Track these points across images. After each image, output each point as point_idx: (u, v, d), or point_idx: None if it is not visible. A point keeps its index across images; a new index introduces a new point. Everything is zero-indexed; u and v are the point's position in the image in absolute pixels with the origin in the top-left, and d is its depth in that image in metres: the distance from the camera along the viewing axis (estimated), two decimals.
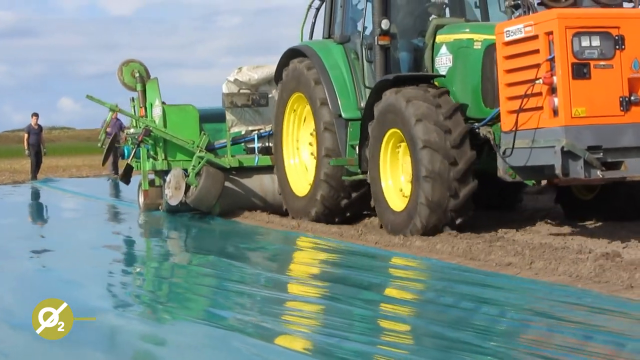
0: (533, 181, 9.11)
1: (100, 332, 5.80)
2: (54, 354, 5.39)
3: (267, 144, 13.17)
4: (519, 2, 8.92)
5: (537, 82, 8.14)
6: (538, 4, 8.87)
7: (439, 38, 10.31)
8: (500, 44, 8.77)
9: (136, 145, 13.55)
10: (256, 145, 13.25)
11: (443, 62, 10.20)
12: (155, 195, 13.68)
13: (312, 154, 11.90)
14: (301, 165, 12.19)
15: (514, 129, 8.50)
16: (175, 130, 13.30)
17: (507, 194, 11.52)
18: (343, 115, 11.12)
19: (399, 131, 9.74)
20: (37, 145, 25.63)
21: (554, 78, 8.04)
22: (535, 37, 8.25)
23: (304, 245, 10.16)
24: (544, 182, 9.38)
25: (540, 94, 8.20)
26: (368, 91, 10.82)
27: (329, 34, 11.93)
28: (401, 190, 9.93)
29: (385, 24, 10.47)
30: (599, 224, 9.82)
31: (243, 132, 13.55)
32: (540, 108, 8.23)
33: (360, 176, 10.76)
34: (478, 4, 11.40)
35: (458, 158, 9.30)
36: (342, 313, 6.15)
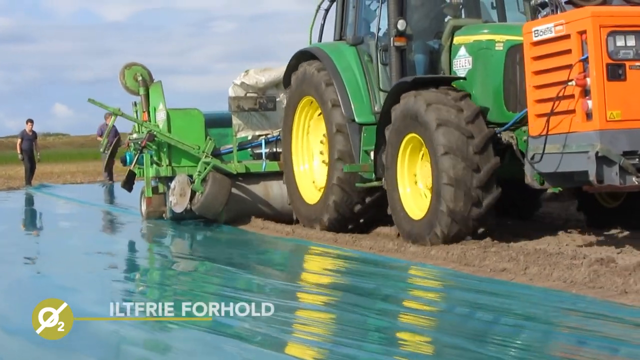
0: (559, 188, 8.75)
1: (96, 337, 5.74)
2: (49, 358, 5.36)
3: (274, 150, 12.86)
4: (546, 0, 8.57)
5: (569, 84, 7.77)
6: (565, 2, 8.53)
7: (457, 39, 9.98)
8: (528, 44, 8.38)
9: (139, 151, 13.16)
10: (263, 150, 12.94)
11: (462, 64, 9.86)
12: (159, 203, 13.28)
13: (323, 161, 11.51)
14: (311, 172, 11.80)
15: (543, 133, 8.12)
16: (180, 135, 12.95)
17: (524, 202, 11.14)
18: (357, 119, 10.74)
19: (418, 136, 9.36)
20: (30, 151, 25.55)
21: (588, 80, 7.68)
22: (567, 36, 7.88)
23: (298, 252, 10.05)
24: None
25: (572, 96, 7.83)
26: (382, 95, 10.48)
27: (340, 36, 11.55)
28: (420, 198, 9.55)
29: (401, 25, 10.12)
30: (626, 232, 9.54)
31: (250, 137, 13.24)
32: (572, 111, 7.85)
33: (375, 183, 10.37)
34: (495, 4, 11.05)
35: (481, 164, 8.93)
36: (339, 320, 6.14)
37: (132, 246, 11.54)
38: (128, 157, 13.66)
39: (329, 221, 10.96)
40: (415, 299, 6.94)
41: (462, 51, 9.84)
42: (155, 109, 13.37)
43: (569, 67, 7.80)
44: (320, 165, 11.66)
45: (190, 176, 12.53)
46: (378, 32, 10.74)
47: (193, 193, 12.36)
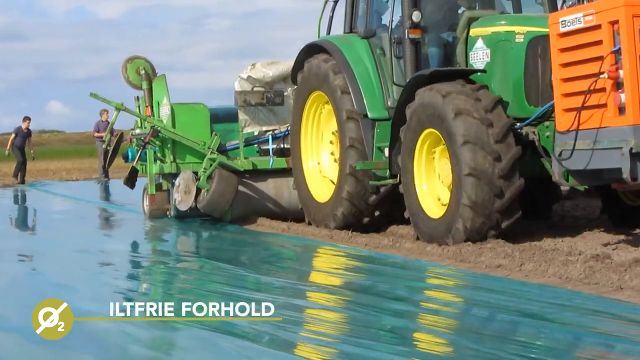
0: (585, 186, 8.41)
1: (96, 337, 5.66)
2: (46, 357, 5.33)
3: (282, 146, 12.53)
4: None
5: (600, 76, 7.42)
6: None
7: (474, 31, 9.66)
8: (554, 36, 8.02)
9: (142, 147, 12.78)
10: (271, 146, 12.59)
11: (479, 56, 9.53)
12: (162, 201, 12.92)
13: (335, 160, 11.14)
14: (321, 169, 11.45)
15: (572, 128, 7.76)
16: (185, 130, 12.59)
17: (539, 201, 10.77)
18: (369, 115, 10.38)
19: (435, 131, 9.00)
20: (22, 147, 25.73)
21: (620, 72, 7.32)
22: (597, 26, 7.52)
23: (293, 249, 9.90)
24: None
25: (603, 89, 7.47)
26: (396, 89, 10.14)
27: (350, 29, 11.18)
28: (439, 199, 9.20)
29: (416, 16, 9.79)
30: (620, 228, 9.39)
31: (256, 133, 12.89)
32: (604, 105, 7.50)
33: (390, 181, 10.01)
34: None
35: (502, 153, 8.56)
36: (338, 319, 6.13)
37: (126, 244, 11.19)
38: (130, 154, 13.27)
39: (343, 215, 10.57)
40: (410, 295, 6.81)
41: (480, 43, 9.51)
42: (158, 104, 13.00)
43: (600, 59, 7.45)
44: (330, 163, 11.32)
45: (196, 173, 12.20)
46: (391, 24, 10.36)
47: (198, 190, 12.02)
